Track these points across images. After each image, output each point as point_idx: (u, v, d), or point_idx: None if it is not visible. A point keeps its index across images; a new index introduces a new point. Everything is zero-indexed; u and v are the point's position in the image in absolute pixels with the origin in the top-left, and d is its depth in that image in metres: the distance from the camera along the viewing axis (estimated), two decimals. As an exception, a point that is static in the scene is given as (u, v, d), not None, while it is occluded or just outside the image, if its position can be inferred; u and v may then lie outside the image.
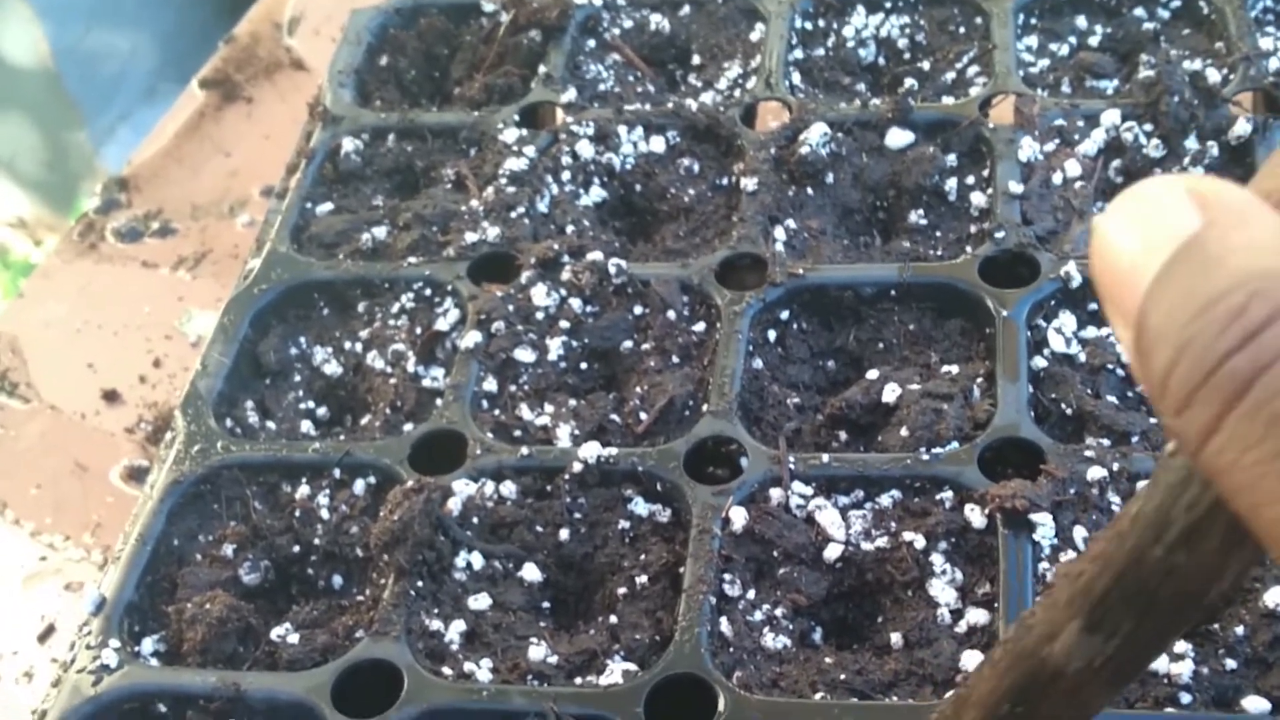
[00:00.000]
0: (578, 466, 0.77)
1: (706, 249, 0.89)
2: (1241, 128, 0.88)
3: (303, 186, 0.97)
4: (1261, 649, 0.66)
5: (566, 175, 0.94)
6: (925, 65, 0.99)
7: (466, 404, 0.82)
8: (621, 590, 0.74)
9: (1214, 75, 0.90)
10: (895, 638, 0.70)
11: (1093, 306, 0.82)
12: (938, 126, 0.93)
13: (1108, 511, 0.71)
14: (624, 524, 0.76)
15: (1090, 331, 0.81)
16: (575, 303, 0.86)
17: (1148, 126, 0.89)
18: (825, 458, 0.76)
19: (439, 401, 0.83)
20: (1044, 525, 0.70)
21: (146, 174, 1.25)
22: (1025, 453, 0.75)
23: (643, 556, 0.75)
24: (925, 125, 0.93)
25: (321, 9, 1.38)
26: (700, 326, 0.85)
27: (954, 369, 0.81)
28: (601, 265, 0.87)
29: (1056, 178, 0.88)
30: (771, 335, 0.85)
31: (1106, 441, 0.75)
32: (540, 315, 0.85)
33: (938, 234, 0.89)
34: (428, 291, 0.89)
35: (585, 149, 0.95)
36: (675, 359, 0.84)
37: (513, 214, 0.91)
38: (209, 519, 0.80)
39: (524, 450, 0.79)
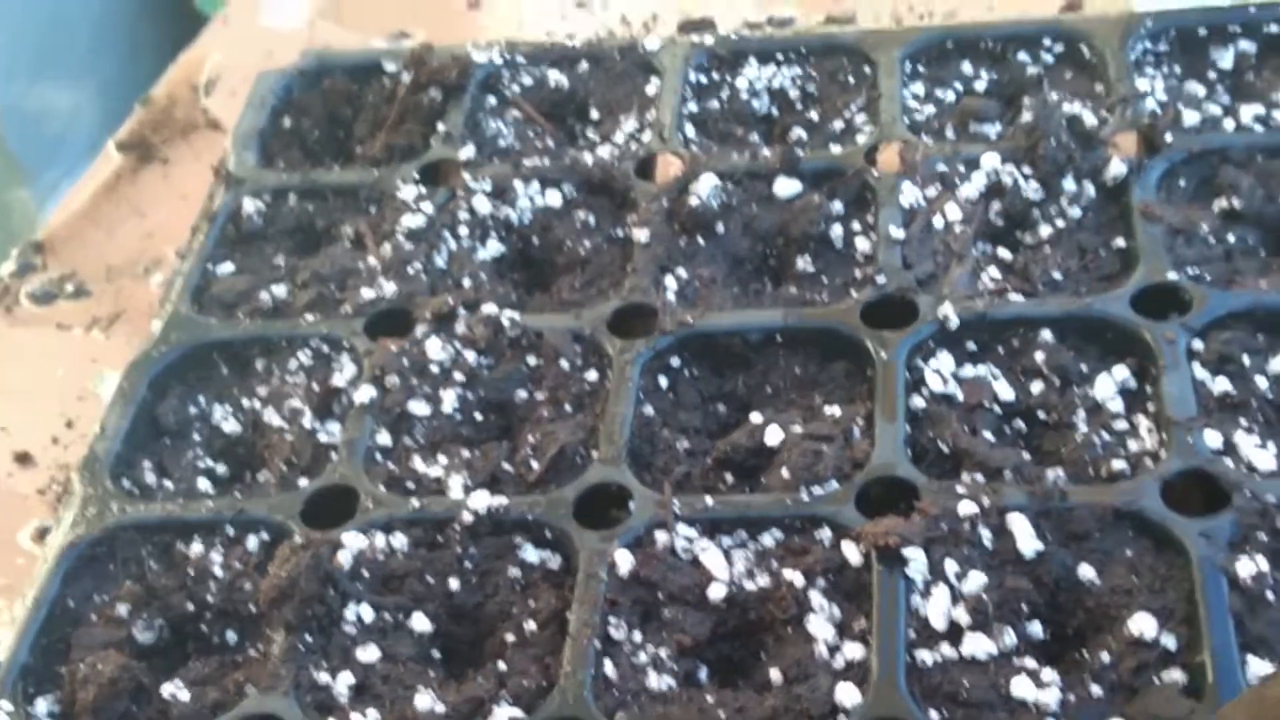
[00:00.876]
0: (468, 517, 0.79)
1: (601, 299, 0.91)
2: (1117, 168, 0.91)
3: (204, 248, 0.99)
4: (1127, 675, 0.68)
5: (464, 230, 0.96)
6: (814, 115, 1.02)
7: (360, 458, 0.83)
8: (511, 638, 0.75)
9: (1091, 118, 0.93)
10: (775, 674, 0.71)
11: (971, 346, 0.84)
12: (824, 175, 0.95)
13: (978, 545, 0.73)
14: (514, 572, 0.78)
15: (968, 370, 0.83)
16: (470, 355, 0.88)
17: (1027, 169, 0.92)
18: (709, 500, 0.78)
19: (334, 456, 0.84)
20: (916, 560, 0.72)
21: (62, 236, 1.26)
22: (902, 491, 0.76)
23: (532, 603, 0.76)
24: (812, 174, 0.95)
25: (239, 70, 1.39)
26: (593, 375, 0.87)
27: (836, 410, 0.82)
28: (495, 318, 0.88)
29: (937, 221, 0.90)
30: (663, 382, 0.87)
31: (980, 477, 0.77)
32: (435, 368, 0.87)
33: (824, 280, 0.91)
34: (325, 348, 0.90)
35: (482, 204, 0.97)
36: (568, 408, 0.85)
37: (410, 270, 0.93)
38: (105, 579, 0.81)
39: (415, 502, 0.80)
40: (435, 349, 0.87)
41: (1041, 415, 0.81)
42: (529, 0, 1.37)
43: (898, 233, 0.89)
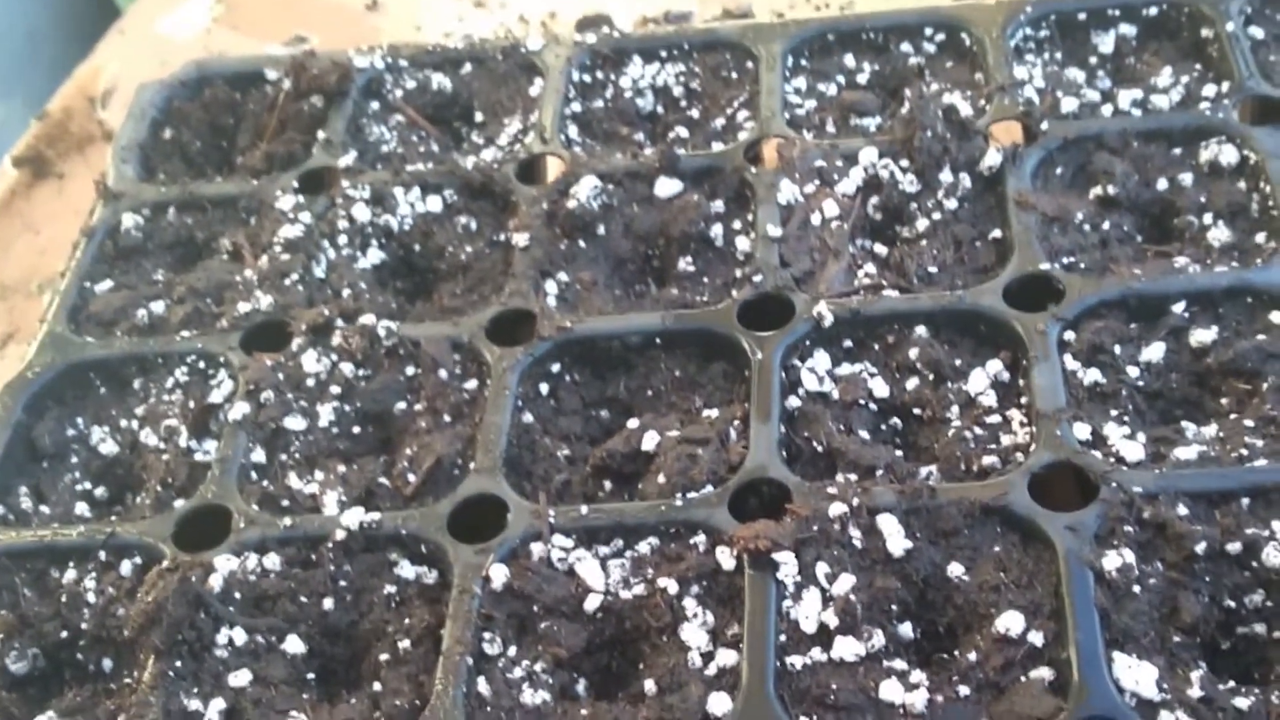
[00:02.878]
0: (341, 534, 0.78)
1: (484, 305, 0.90)
2: (992, 158, 0.91)
3: (82, 266, 0.97)
4: (994, 674, 0.68)
5: (343, 239, 0.95)
6: (696, 113, 1.01)
7: (233, 477, 0.82)
8: (385, 656, 0.74)
9: (966, 108, 0.93)
10: (649, 684, 0.71)
11: (847, 344, 0.84)
12: (704, 174, 0.95)
13: (848, 546, 0.72)
14: (390, 589, 0.77)
15: (844, 369, 0.83)
16: (346, 367, 0.87)
17: (904, 162, 0.92)
18: (584, 509, 0.77)
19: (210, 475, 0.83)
20: (787, 564, 0.72)
21: (-43, 255, 1.24)
22: (776, 492, 0.76)
23: (407, 621, 0.75)
24: (692, 173, 0.95)
25: (136, 80, 1.37)
26: (472, 384, 0.86)
27: (715, 413, 0.82)
28: (372, 328, 0.87)
29: (815, 218, 0.90)
30: (544, 388, 0.86)
31: (854, 476, 0.77)
32: (311, 382, 0.86)
33: (705, 280, 0.91)
34: (201, 364, 0.89)
35: (361, 212, 0.96)
36: (447, 418, 0.85)
37: (286, 281, 0.92)
38: (-24, 611, 0.80)
39: (287, 521, 0.79)
40: (311, 362, 0.86)
41: (917, 411, 0.81)
42: (427, 1, 1.36)
43: (775, 231, 0.89)
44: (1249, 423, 0.75)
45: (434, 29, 1.31)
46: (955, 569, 0.72)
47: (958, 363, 0.82)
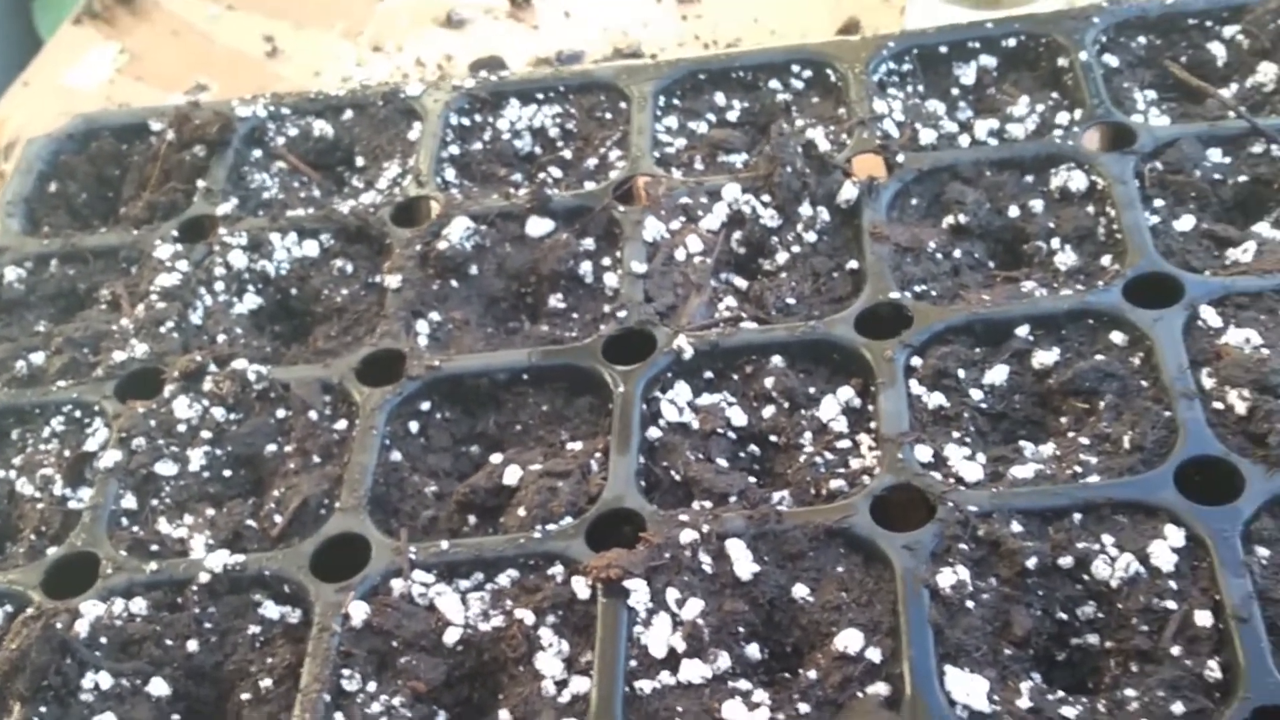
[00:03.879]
0: (206, 577, 0.79)
1: (357, 347, 0.92)
2: (849, 191, 0.93)
3: (-36, 319, 0.98)
4: (832, 690, 0.70)
5: (220, 286, 0.96)
6: (569, 154, 1.03)
7: (103, 524, 0.83)
8: (247, 696, 0.76)
9: (824, 143, 0.95)
10: (505, 715, 0.72)
11: (707, 375, 0.86)
12: (575, 213, 0.97)
13: (698, 571, 0.74)
14: (254, 629, 0.78)
15: (704, 399, 0.85)
16: (218, 412, 0.88)
17: (765, 197, 0.94)
18: (445, 544, 0.79)
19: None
20: (638, 591, 0.73)
21: None
22: (632, 522, 0.78)
23: (270, 660, 0.77)
24: (564, 213, 0.97)
25: (40, 132, 1.39)
26: (342, 425, 0.88)
27: (578, 446, 0.84)
28: (242, 373, 0.89)
29: (679, 254, 0.92)
30: (414, 426, 0.88)
31: (708, 503, 0.79)
32: (182, 427, 0.87)
33: (575, 316, 0.93)
34: (77, 414, 0.90)
35: (239, 259, 0.97)
36: (316, 459, 0.86)
37: (162, 329, 0.93)
38: None
39: (154, 565, 0.80)
40: (183, 408, 0.88)
41: (773, 438, 0.83)
42: (325, 48, 1.39)
43: (640, 267, 0.91)
44: (1084, 440, 0.77)
45: (333, 74, 1.34)
46: (800, 590, 0.74)
47: (812, 390, 0.84)
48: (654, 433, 0.83)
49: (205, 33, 1.45)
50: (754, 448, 0.84)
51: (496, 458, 0.84)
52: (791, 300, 0.89)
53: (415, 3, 1.42)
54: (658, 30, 1.31)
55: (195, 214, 1.02)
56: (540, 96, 1.07)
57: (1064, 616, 0.71)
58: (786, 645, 0.73)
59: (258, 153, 1.08)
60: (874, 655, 0.70)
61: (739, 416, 0.84)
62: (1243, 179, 0.90)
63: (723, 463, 0.82)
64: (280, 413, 0.88)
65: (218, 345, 0.92)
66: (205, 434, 0.87)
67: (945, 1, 1.15)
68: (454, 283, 0.95)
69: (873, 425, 0.81)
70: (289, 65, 1.39)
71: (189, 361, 0.89)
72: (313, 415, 0.88)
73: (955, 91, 1.02)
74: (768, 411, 0.84)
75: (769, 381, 0.84)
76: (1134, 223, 0.86)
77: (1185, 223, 0.87)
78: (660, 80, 1.05)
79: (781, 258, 0.92)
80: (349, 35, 1.41)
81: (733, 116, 1.04)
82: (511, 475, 0.82)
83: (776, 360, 0.85)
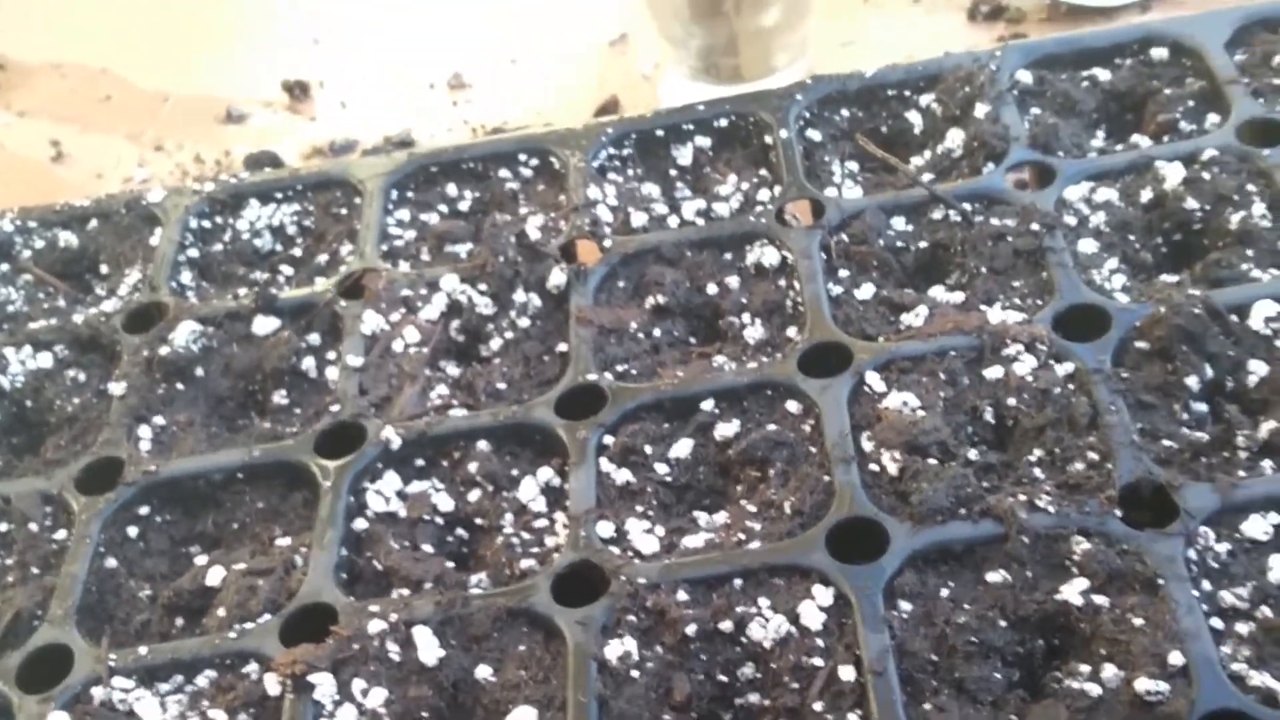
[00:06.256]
0: (-92, 697, 0.80)
1: (82, 456, 0.93)
2: (557, 277, 0.97)
3: None
4: None
5: (-52, 405, 0.98)
6: (299, 251, 1.06)
7: None
8: (-53, 812, 0.77)
9: (537, 231, 0.99)
10: (194, 815, 0.74)
11: (419, 463, 0.89)
12: (300, 310, 0.99)
13: (385, 660, 0.77)
14: (-41, 745, 0.79)
15: (413, 486, 0.88)
16: (-63, 531, 0.89)
17: (482, 286, 0.97)
18: (144, 649, 0.81)
19: None
20: (323, 684, 0.76)
21: None
22: (330, 616, 0.80)
23: (-28, 775, 0.78)
24: (290, 310, 1.00)
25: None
26: (62, 534, 0.89)
27: (287, 541, 0.86)
28: (-42, 491, 0.90)
29: (397, 345, 0.95)
30: (133, 532, 0.89)
31: (406, 591, 0.81)
32: (-101, 549, 0.88)
33: (298, 411, 0.95)
34: None
35: (-30, 376, 0.99)
36: (35, 570, 0.88)
37: (-115, 454, 0.94)
38: None
39: None
40: (-101, 529, 0.89)
41: (478, 521, 0.86)
42: (108, 151, 1.41)
43: (356, 360, 0.94)
44: (752, 508, 0.81)
45: (115, 176, 1.36)
46: (483, 671, 0.76)
47: (514, 472, 0.87)
48: (360, 524, 0.86)
49: (-4, 141, 1.46)
50: (461, 531, 0.86)
51: (201, 559, 0.86)
52: (502, 385, 0.92)
53: (196, 101, 1.44)
54: (430, 118, 1.34)
55: (-72, 333, 1.03)
56: (279, 196, 1.10)
57: (724, 679, 0.74)
58: (469, 727, 0.76)
59: (4, 266, 1.10)
60: (545, 731, 0.73)
61: (445, 502, 0.86)
62: (923, 245, 0.95)
63: (428, 549, 0.85)
64: (2, 526, 0.90)
65: (-58, 465, 0.94)
66: (-80, 554, 0.88)
67: (691, 79, 1.20)
68: (180, 385, 0.97)
69: (567, 504, 0.84)
70: (72, 169, 1.41)
71: (-99, 483, 0.91)
72: (33, 527, 0.89)
73: (674, 172, 1.06)
74: (473, 495, 0.87)
75: (473, 466, 0.87)
76: (814, 294, 0.91)
77: (865, 291, 0.92)
78: (393, 174, 1.09)
79: (496, 344, 0.96)
80: (132, 137, 1.43)
81: (464, 206, 1.08)
82: (215, 576, 0.84)
83: (482, 445, 0.88)
